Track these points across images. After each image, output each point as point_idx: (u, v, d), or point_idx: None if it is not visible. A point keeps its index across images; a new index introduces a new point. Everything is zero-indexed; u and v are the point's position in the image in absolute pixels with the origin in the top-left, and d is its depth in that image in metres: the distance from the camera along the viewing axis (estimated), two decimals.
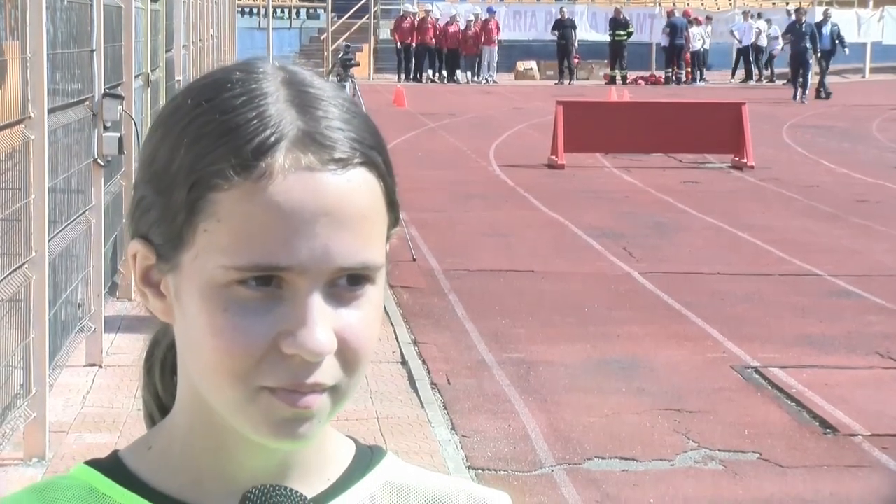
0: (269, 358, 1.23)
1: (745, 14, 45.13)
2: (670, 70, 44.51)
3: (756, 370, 9.97)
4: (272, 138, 1.24)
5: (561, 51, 44.36)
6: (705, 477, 7.83)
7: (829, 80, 39.97)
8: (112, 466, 1.37)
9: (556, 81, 43.76)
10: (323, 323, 1.23)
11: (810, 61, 36.35)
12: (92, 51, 8.81)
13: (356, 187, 1.27)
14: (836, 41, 37.90)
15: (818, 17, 38.85)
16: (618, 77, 43.85)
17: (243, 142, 1.24)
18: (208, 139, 1.25)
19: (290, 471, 1.34)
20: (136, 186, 1.32)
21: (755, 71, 45.35)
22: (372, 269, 1.27)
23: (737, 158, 22.33)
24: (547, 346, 10.59)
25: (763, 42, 44.44)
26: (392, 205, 1.33)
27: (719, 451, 8.23)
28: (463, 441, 8.31)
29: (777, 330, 11.16)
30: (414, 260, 13.61)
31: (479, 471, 7.80)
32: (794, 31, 36.60)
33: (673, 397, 9.27)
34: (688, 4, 48.94)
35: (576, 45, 44.37)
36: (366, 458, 1.42)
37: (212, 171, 1.24)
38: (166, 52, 14.77)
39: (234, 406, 1.26)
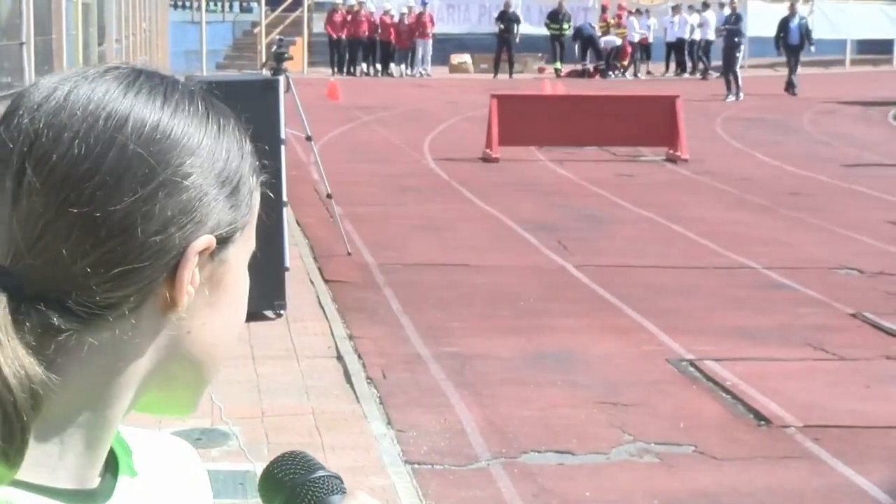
0: None
1: (674, 9, 45.14)
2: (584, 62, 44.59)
3: (691, 363, 10.02)
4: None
5: (503, 43, 44.36)
6: (641, 470, 7.87)
7: (762, 73, 40.23)
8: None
9: (494, 75, 43.78)
10: None
11: (738, 56, 36.06)
12: (21, 44, 8.73)
13: None
14: (804, 36, 37.33)
15: (786, 12, 38.26)
16: (557, 69, 43.89)
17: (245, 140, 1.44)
18: (235, 136, 1.42)
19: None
20: (194, 184, 1.36)
21: (689, 64, 45.42)
22: None
23: (671, 151, 22.42)
24: (482, 339, 10.60)
25: (696, 36, 44.45)
26: None
27: (655, 443, 8.26)
28: (399, 435, 8.31)
29: (711, 322, 11.22)
30: (349, 254, 13.60)
31: (416, 465, 7.80)
32: (728, 24, 36.30)
33: (608, 390, 9.30)
34: None
35: (517, 38, 44.40)
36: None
37: (256, 168, 1.43)
38: (98, 45, 14.67)
39: (214, 372, 1.43)
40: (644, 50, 45.80)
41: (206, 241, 1.34)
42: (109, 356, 1.35)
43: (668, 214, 16.69)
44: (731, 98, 35.20)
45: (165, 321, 1.36)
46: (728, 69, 35.73)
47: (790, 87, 36.61)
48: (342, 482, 1.48)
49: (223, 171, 1.37)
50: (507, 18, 44.21)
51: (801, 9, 38.50)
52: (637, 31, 44.93)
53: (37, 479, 1.34)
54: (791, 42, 36.63)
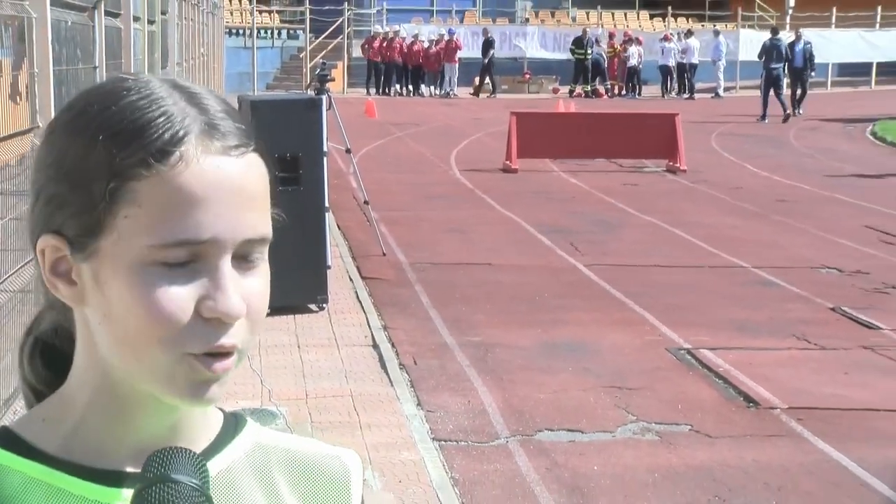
0: (191, 324, 1.26)
1: (665, 37, 44.89)
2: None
3: (688, 351, 10.00)
4: (181, 131, 1.27)
5: (488, 67, 44.16)
6: (643, 447, 7.86)
7: (752, 93, 39.98)
8: (4, 438, 1.35)
9: (476, 95, 43.72)
10: (235, 288, 1.27)
11: (781, 83, 34.60)
12: (95, 67, 8.76)
13: (253, 169, 1.31)
14: (807, 59, 36.00)
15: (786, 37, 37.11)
16: (579, 90, 43.64)
17: (157, 135, 1.26)
18: (123, 135, 1.27)
19: (178, 433, 1.37)
20: (44, 188, 1.32)
21: (675, 86, 44.91)
22: (267, 240, 1.32)
23: (671, 163, 22.36)
24: (502, 330, 10.59)
25: (683, 60, 44.13)
26: (272, 183, 1.35)
27: (655, 423, 8.25)
28: (428, 415, 8.31)
29: (707, 316, 11.20)
30: (384, 254, 13.60)
31: (443, 442, 7.80)
32: (767, 52, 34.83)
33: (614, 376, 9.29)
34: (627, 26, 48.98)
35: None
36: (232, 423, 1.46)
37: (131, 163, 1.26)
38: (162, 68, 14.70)
39: (160, 371, 1.27)
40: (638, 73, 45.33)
41: (43, 240, 1.32)
42: (83, 341, 1.35)
43: (670, 219, 16.65)
44: (799, 112, 34.59)
45: (82, 314, 1.33)
46: (767, 95, 34.05)
47: (795, 106, 35.41)
48: (206, 500, 1.25)
49: (73, 172, 1.29)
50: (487, 45, 44.06)
51: (786, 35, 37.96)
52: (635, 55, 44.62)
53: (48, 449, 1.34)
54: (796, 65, 35.71)
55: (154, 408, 1.32)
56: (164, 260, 1.25)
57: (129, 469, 1.34)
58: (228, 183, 1.27)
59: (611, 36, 45.75)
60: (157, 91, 1.30)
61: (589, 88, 43.74)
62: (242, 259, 1.29)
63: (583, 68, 43.87)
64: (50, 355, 1.42)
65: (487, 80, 44.29)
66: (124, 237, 1.26)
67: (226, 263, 1.27)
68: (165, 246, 1.25)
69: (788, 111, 33.75)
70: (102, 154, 1.27)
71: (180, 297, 1.25)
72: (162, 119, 1.27)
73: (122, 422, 1.34)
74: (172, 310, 1.25)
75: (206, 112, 1.30)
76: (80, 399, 1.35)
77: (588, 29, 45.14)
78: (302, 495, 1.45)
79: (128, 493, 1.30)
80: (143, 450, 1.32)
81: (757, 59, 36.17)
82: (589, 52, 43.74)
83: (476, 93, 44.08)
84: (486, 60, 43.85)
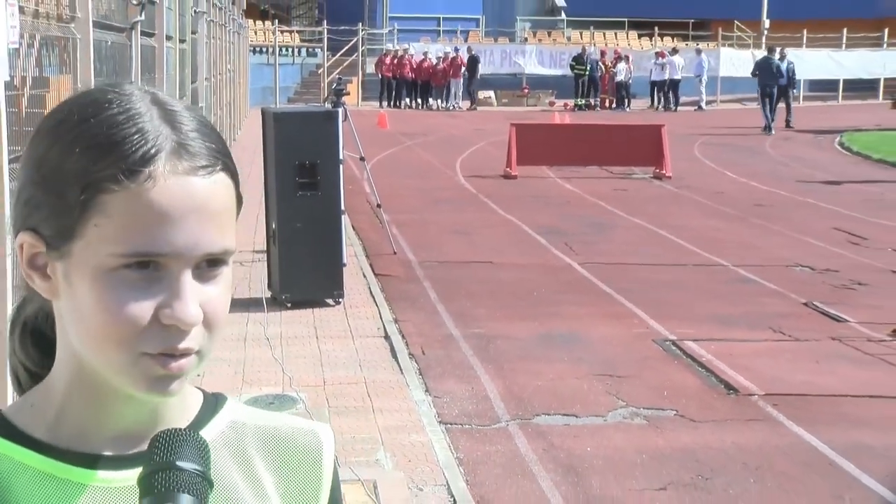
0: (149, 328, 1.25)
1: (656, 54, 44.75)
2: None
3: (673, 343, 9.99)
4: (153, 150, 1.25)
5: (470, 80, 43.87)
6: (632, 430, 7.84)
7: (732, 106, 39.91)
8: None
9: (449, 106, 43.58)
10: (193, 298, 1.26)
11: (775, 96, 33.53)
12: (131, 82, 8.76)
13: (219, 188, 1.29)
14: (790, 77, 35.19)
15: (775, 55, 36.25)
16: (579, 103, 43.50)
17: (129, 152, 1.24)
18: (98, 150, 1.25)
19: (158, 416, 1.36)
20: (24, 187, 1.32)
21: (660, 100, 44.67)
22: (229, 253, 1.30)
23: (657, 170, 22.34)
24: (503, 323, 10.58)
25: (666, 76, 43.99)
26: (239, 200, 1.33)
27: (643, 408, 8.24)
28: (435, 401, 8.30)
29: (691, 310, 11.18)
30: (395, 253, 13.60)
31: (449, 425, 7.79)
32: (761, 69, 33.98)
33: (605, 365, 9.27)
34: (617, 45, 48.92)
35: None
36: (212, 403, 1.44)
37: (103, 176, 1.24)
38: (192, 83, 14.71)
39: (119, 368, 1.26)
40: (626, 87, 45.05)
41: (21, 236, 1.31)
42: (61, 331, 1.33)
43: (656, 222, 16.63)
44: (791, 124, 33.99)
45: (58, 306, 1.32)
46: (766, 109, 33.38)
47: (787, 121, 34.56)
48: (207, 484, 1.24)
49: (49, 177, 1.28)
50: (474, 62, 43.90)
51: (761, 55, 37.66)
52: (623, 72, 44.47)
53: (35, 434, 1.32)
54: (781, 83, 34.99)
55: (129, 395, 1.30)
56: (128, 268, 1.24)
57: (108, 453, 1.32)
58: (192, 201, 1.25)
59: (602, 54, 45.67)
60: (136, 106, 1.29)
61: (582, 102, 43.64)
62: (205, 268, 1.28)
63: (582, 83, 43.76)
64: (39, 337, 1.41)
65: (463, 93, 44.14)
66: (93, 244, 1.25)
67: (185, 275, 1.25)
68: (127, 255, 1.24)
69: (772, 125, 33.29)
70: (77, 165, 1.25)
71: (139, 304, 1.24)
72: (136, 136, 1.26)
73: (100, 408, 1.33)
74: (130, 314, 1.24)
75: (179, 131, 1.28)
76: (61, 387, 1.34)
77: (587, 47, 45.02)
78: (276, 469, 1.42)
79: (104, 474, 1.30)
80: (125, 433, 1.33)
81: (749, 76, 35.81)
82: (587, 68, 43.63)
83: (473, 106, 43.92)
84: (474, 76, 43.63)
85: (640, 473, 7.04)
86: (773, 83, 33.09)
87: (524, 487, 6.81)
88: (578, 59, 43.91)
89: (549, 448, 7.44)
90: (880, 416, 8.15)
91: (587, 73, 43.64)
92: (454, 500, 6.46)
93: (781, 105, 34.19)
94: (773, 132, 32.65)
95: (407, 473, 6.80)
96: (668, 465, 7.17)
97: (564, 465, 7.16)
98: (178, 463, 1.23)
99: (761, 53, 38.30)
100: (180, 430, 1.27)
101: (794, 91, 36.71)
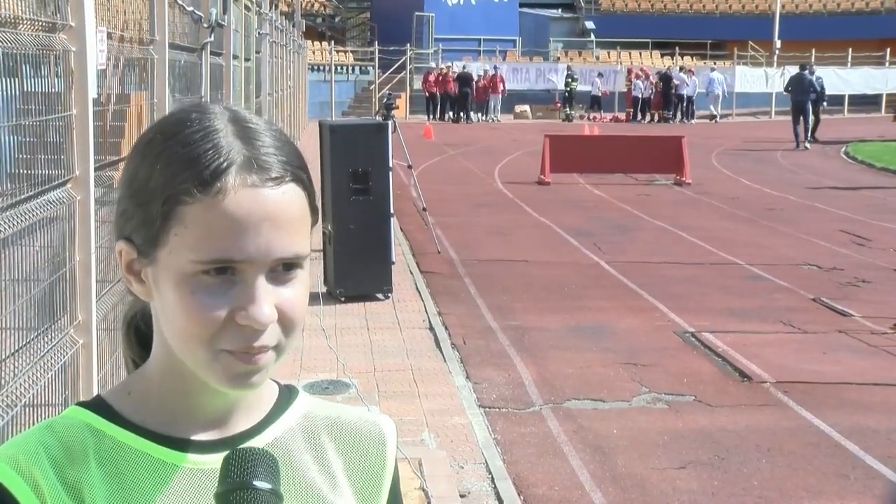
0: (227, 327, 1.25)
1: (689, 71, 44.50)
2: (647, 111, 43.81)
3: (692, 334, 9.94)
4: (224, 164, 1.25)
5: (463, 98, 43.26)
6: (654, 413, 7.82)
7: (748, 119, 39.60)
8: (100, 407, 1.35)
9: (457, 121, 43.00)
10: (267, 300, 1.25)
11: (808, 110, 31.74)
12: (201, 97, 8.80)
13: (288, 198, 1.28)
14: (820, 91, 33.89)
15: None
16: (572, 115, 43.33)
17: (203, 167, 1.25)
18: (176, 166, 1.26)
19: (237, 407, 1.36)
20: (120, 201, 1.33)
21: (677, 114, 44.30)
22: (301, 258, 1.29)
23: (678, 177, 22.25)
24: (536, 315, 10.57)
25: (683, 92, 43.69)
26: (313, 209, 1.32)
27: (665, 394, 8.21)
28: (475, 386, 8.30)
29: (708, 304, 11.13)
30: (439, 252, 13.61)
31: (487, 408, 7.79)
32: (794, 84, 32.37)
33: (630, 354, 9.25)
34: (631, 63, 48.62)
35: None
36: (286, 394, 1.44)
37: (180, 190, 1.25)
38: (256, 97, 14.77)
39: (202, 363, 1.27)
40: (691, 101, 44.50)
41: (119, 244, 1.32)
42: (157, 328, 1.34)
43: (676, 224, 16.57)
44: (805, 145, 31.74)
45: (152, 306, 1.33)
46: (797, 123, 31.72)
47: (813, 135, 32.69)
48: (279, 500, 1.23)
49: (139, 192, 1.29)
50: (468, 79, 43.40)
51: (772, 72, 37.20)
52: (642, 88, 44.17)
53: (132, 418, 1.33)
54: (812, 98, 33.62)
55: (214, 387, 1.31)
56: (206, 273, 1.25)
57: (195, 437, 1.33)
58: (262, 211, 1.25)
59: (628, 72, 45.47)
60: (214, 124, 1.29)
61: (568, 113, 43.13)
62: (281, 272, 1.27)
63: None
64: (140, 333, 1.43)
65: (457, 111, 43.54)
66: (174, 251, 1.26)
67: (259, 278, 1.25)
68: (204, 262, 1.24)
69: (805, 142, 31.45)
70: (160, 179, 1.27)
71: (216, 306, 1.25)
72: (210, 152, 1.26)
73: (188, 397, 1.33)
74: (207, 316, 1.24)
75: (252, 146, 1.28)
76: (156, 377, 1.35)
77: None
78: (345, 452, 1.43)
79: (193, 457, 1.31)
80: (210, 420, 1.34)
81: (752, 92, 35.21)
82: (576, 84, 43.40)
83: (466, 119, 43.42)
84: (463, 92, 43.17)
85: (662, 453, 7.01)
86: (805, 98, 32.20)
87: (556, 465, 6.80)
88: (571, 76, 43.82)
89: (578, 430, 7.42)
90: (882, 402, 8.09)
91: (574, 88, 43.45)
92: (492, 477, 6.46)
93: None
94: (809, 147, 31.26)
95: (449, 452, 6.80)
96: (687, 445, 7.14)
97: (592, 445, 7.15)
98: (255, 483, 1.22)
99: (773, 71, 37.99)
100: (254, 448, 1.26)
101: (825, 104, 35.22)
